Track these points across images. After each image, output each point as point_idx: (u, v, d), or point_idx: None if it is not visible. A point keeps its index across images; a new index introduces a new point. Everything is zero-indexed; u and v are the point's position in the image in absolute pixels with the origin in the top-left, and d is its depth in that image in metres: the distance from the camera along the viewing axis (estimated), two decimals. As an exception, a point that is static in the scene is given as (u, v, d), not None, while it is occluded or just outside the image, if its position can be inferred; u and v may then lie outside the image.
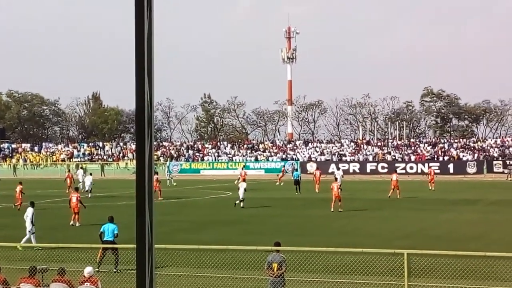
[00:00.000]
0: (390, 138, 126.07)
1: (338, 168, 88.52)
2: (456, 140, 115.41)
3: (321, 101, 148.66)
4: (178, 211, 48.36)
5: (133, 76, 9.91)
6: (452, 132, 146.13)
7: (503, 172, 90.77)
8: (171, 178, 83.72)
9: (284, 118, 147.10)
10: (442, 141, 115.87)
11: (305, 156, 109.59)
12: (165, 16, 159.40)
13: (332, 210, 46.41)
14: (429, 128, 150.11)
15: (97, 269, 22.96)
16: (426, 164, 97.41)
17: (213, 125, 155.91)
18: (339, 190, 47.53)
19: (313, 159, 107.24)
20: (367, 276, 21.90)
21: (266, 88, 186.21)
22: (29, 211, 31.59)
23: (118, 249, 24.63)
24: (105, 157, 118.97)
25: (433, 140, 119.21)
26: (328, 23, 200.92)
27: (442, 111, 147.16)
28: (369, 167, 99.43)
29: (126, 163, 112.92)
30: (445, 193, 60.82)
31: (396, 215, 43.91)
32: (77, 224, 39.31)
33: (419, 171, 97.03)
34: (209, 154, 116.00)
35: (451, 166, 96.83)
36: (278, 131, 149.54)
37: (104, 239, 25.86)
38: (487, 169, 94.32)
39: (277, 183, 78.35)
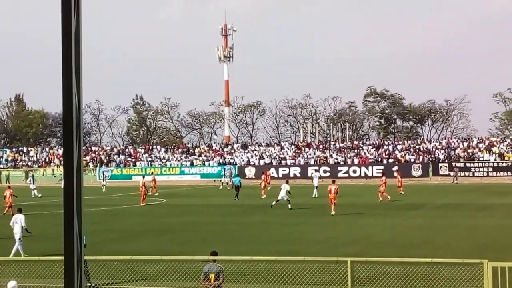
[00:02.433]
0: (332, 140, 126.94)
1: (317, 170, 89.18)
2: (400, 142, 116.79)
3: (260, 102, 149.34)
4: (109, 220, 47.99)
5: (59, 77, 9.82)
6: (396, 134, 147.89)
7: (449, 175, 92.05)
8: (104, 185, 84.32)
9: (221, 120, 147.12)
10: (386, 143, 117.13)
11: (243, 160, 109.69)
12: (94, 15, 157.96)
13: (332, 213, 47.63)
14: (372, 129, 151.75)
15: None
16: (370, 167, 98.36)
17: (145, 128, 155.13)
18: (336, 192, 48.56)
19: (251, 163, 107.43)
20: (310, 285, 22.01)
21: (201, 88, 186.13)
22: (21, 217, 31.36)
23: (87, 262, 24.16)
24: (30, 163, 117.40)
25: (377, 142, 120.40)
26: (267, 20, 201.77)
27: (386, 111, 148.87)
28: (311, 170, 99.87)
29: (53, 169, 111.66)
30: (391, 197, 61.43)
31: (339, 221, 44.19)
32: None
33: (362, 174, 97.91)
34: (142, 159, 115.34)
35: (395, 169, 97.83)
36: (215, 134, 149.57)
37: None
38: (432, 171, 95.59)
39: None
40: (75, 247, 9.95)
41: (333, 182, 51.35)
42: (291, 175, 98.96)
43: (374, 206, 53.84)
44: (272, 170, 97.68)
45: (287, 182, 56.02)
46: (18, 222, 31.15)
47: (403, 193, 64.55)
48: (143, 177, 67.02)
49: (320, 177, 72.17)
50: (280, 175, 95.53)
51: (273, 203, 53.08)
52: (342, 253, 26.62)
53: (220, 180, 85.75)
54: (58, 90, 9.85)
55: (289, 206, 52.14)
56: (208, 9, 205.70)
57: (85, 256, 10.22)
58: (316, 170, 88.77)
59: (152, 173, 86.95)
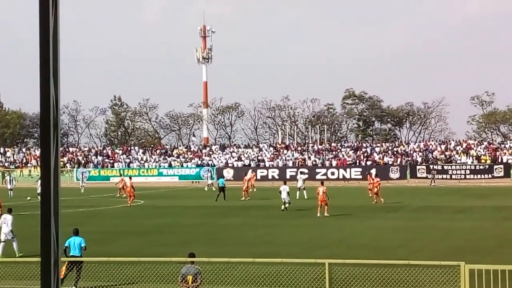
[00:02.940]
0: (310, 142, 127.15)
1: (301, 173, 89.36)
2: (378, 144, 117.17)
3: (238, 104, 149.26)
4: (87, 222, 47.69)
5: (37, 77, 9.77)
6: (374, 136, 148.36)
7: (426, 177, 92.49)
8: (83, 186, 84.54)
9: (199, 121, 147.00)
10: (365, 145, 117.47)
11: (221, 162, 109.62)
12: (72, 14, 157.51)
13: (318, 215, 47.52)
14: (351, 131, 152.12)
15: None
16: (348, 169, 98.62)
17: (123, 129, 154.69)
18: (325, 194, 48.45)
19: (230, 164, 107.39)
20: (288, 287, 22.02)
21: (180, 90, 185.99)
22: (8, 218, 31.39)
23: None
24: (6, 164, 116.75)
25: (355, 144, 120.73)
26: (246, 21, 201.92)
27: (364, 114, 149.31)
28: (289, 172, 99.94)
29: (30, 170, 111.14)
30: (368, 200, 61.59)
31: (317, 223, 44.26)
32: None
33: (340, 176, 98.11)
34: (120, 160, 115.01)
35: (373, 171, 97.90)
36: (194, 135, 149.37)
37: (70, 254, 24.60)
38: (410, 174, 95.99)
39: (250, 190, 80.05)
40: (52, 248, 9.90)
41: (322, 183, 51.25)
42: (269, 177, 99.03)
43: (352, 208, 53.93)
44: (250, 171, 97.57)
45: (285, 183, 55.47)
46: (6, 222, 31.27)
47: (371, 196, 64.08)
48: (130, 178, 66.70)
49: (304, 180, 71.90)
50: (259, 177, 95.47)
51: (282, 207, 52.64)
52: (320, 255, 26.64)
53: (209, 183, 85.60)
54: (35, 91, 9.80)
55: (283, 207, 52.30)
56: (187, 11, 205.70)
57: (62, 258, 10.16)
58: (301, 172, 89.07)
59: (121, 175, 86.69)
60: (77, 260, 23.68)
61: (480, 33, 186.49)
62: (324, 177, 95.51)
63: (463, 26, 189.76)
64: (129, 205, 60.04)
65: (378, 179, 60.61)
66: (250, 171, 78.51)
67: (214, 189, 76.89)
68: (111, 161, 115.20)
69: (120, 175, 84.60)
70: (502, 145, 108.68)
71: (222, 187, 65.79)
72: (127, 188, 62.77)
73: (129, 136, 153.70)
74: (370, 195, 61.55)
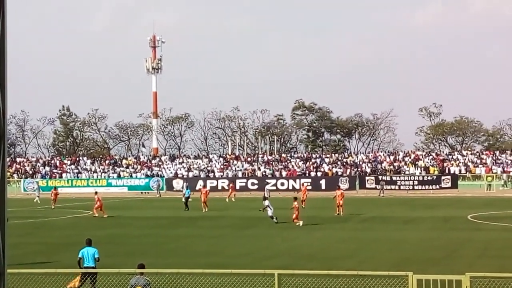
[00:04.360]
0: (260, 153, 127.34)
1: (267, 183, 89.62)
2: (328, 155, 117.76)
3: (188, 114, 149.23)
4: (34, 233, 47.28)
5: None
6: (324, 147, 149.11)
7: (375, 188, 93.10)
8: (38, 196, 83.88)
9: (149, 132, 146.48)
10: (314, 156, 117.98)
11: (171, 172, 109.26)
12: (20, 23, 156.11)
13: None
14: (300, 142, 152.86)
15: None
16: (298, 180, 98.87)
17: (72, 139, 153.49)
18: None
19: (179, 175, 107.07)
20: (237, 298, 22.01)
21: (129, 100, 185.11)
22: None
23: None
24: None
25: (305, 155, 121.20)
26: (196, 32, 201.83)
27: (314, 125, 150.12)
28: (239, 183, 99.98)
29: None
30: (317, 210, 61.83)
31: (266, 234, 44.32)
32: None
33: (290, 187, 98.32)
34: (68, 170, 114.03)
35: (323, 182, 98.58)
36: (143, 145, 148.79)
37: (84, 265, 24.31)
38: (359, 184, 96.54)
39: (227, 200, 79.50)
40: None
41: (295, 199, 51.35)
42: (219, 187, 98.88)
43: (301, 219, 54.03)
44: (200, 182, 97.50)
45: (265, 199, 54.01)
46: None
47: (304, 207, 64.02)
48: (96, 192, 64.53)
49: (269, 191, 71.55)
50: (208, 188, 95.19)
51: (275, 220, 50.99)
52: (269, 266, 26.70)
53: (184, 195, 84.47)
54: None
55: (275, 219, 51.05)
56: (137, 21, 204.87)
57: (9, 269, 10.04)
58: (268, 183, 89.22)
59: (55, 187, 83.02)
60: (91, 272, 23.20)
61: (428, 45, 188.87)
62: (274, 187, 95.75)
63: (411, 39, 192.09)
64: (96, 215, 58.49)
65: (341, 191, 60.12)
66: (202, 184, 78.36)
67: (183, 200, 76.26)
68: (59, 171, 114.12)
69: (55, 187, 79.43)
70: (450, 156, 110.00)
71: (187, 198, 66.37)
72: (98, 203, 59.73)
73: (78, 146, 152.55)
74: (337, 212, 60.11)
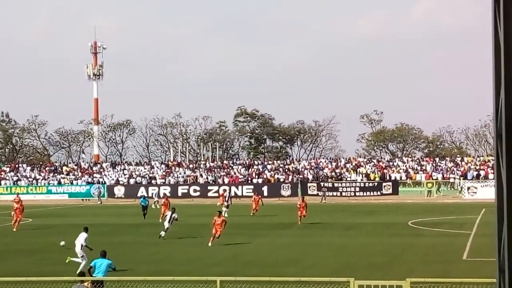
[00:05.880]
0: (202, 159, 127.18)
1: (224, 190, 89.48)
2: (270, 162, 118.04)
3: (130, 121, 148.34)
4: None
5: None
6: (266, 153, 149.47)
7: (317, 195, 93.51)
8: None
9: (89, 138, 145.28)
10: (256, 162, 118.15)
11: (112, 179, 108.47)
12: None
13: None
14: (243, 149, 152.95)
15: None
16: (240, 187, 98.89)
17: (11, 146, 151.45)
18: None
19: (121, 182, 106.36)
20: (179, 305, 21.92)
21: (70, 106, 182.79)
22: None
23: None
24: None
25: (247, 161, 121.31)
26: (137, 38, 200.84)
27: (256, 131, 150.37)
28: (181, 190, 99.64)
29: None
30: (260, 217, 61.93)
31: (207, 241, 44.22)
32: None
33: (232, 194, 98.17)
34: (7, 178, 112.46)
35: (265, 188, 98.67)
36: (84, 152, 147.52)
37: (94, 275, 23.86)
38: (301, 191, 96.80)
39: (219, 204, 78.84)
40: None
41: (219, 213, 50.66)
42: (161, 194, 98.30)
43: (242, 226, 54.09)
44: (142, 189, 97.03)
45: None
46: None
47: (252, 215, 64.08)
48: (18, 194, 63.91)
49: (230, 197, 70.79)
50: (150, 194, 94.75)
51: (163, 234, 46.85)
52: (212, 273, 26.67)
53: (155, 200, 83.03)
54: None
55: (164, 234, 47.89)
56: (78, 27, 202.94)
57: None
58: (225, 190, 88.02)
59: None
60: (99, 280, 22.97)
61: (368, 53, 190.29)
62: (216, 194, 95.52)
63: (352, 46, 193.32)
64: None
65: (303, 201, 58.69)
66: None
67: (154, 207, 75.46)
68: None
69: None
70: (391, 163, 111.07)
71: (144, 206, 64.02)
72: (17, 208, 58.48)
73: (17, 153, 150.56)
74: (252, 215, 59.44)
